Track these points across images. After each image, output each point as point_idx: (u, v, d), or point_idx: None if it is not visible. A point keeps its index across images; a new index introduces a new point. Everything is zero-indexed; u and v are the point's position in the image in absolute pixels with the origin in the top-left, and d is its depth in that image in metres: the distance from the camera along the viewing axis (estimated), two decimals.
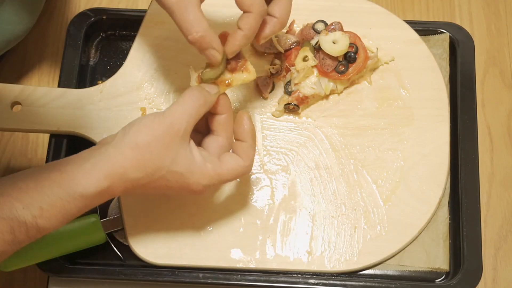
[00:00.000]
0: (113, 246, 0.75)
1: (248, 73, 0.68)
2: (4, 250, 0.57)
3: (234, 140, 0.68)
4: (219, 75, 0.67)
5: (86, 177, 0.59)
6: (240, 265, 0.73)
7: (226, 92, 0.69)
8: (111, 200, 0.77)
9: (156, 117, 0.63)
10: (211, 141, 0.68)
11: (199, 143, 0.68)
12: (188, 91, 0.65)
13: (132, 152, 0.61)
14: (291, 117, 0.81)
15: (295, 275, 0.74)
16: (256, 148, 0.68)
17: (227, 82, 0.68)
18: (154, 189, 0.64)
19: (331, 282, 0.73)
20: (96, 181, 0.60)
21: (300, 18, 0.84)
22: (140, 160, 0.61)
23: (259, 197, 0.76)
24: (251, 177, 0.77)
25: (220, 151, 0.67)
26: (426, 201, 0.76)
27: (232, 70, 0.68)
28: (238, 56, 0.68)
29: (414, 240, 0.75)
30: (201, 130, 0.70)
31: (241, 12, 0.66)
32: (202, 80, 0.67)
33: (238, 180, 0.77)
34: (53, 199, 0.58)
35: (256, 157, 0.78)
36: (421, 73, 0.82)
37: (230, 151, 0.68)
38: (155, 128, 0.62)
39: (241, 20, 0.65)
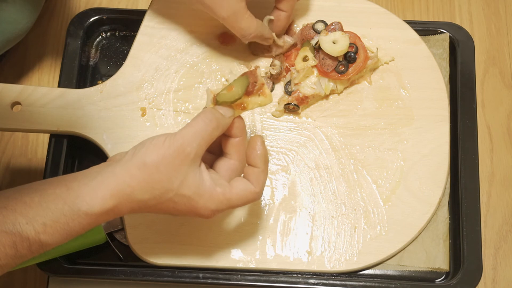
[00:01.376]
0: (113, 246, 0.75)
1: (264, 96, 0.67)
2: (5, 263, 0.57)
3: (247, 165, 0.67)
4: (236, 99, 0.65)
5: (92, 195, 0.59)
6: (240, 265, 0.74)
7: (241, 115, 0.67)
8: None
9: (167, 138, 0.62)
10: (223, 164, 0.67)
11: (211, 164, 0.67)
12: (202, 113, 0.64)
13: (140, 172, 0.60)
14: (291, 117, 0.81)
15: (295, 275, 0.74)
16: (267, 176, 0.67)
17: (242, 105, 0.66)
18: (162, 210, 0.63)
19: (331, 282, 0.73)
20: (101, 200, 0.59)
21: (300, 18, 0.84)
22: (148, 181, 0.60)
23: None
24: None
25: (231, 174, 0.66)
26: (426, 201, 0.76)
27: (249, 94, 0.66)
28: (254, 78, 0.67)
29: (414, 240, 0.75)
30: (214, 151, 0.69)
31: None
32: (217, 102, 0.66)
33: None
34: (57, 215, 0.58)
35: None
36: (421, 73, 0.82)
37: (242, 175, 0.67)
38: (165, 149, 0.61)
39: (282, 3, 0.77)
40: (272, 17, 0.78)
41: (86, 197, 0.58)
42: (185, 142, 0.61)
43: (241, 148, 0.67)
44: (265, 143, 0.79)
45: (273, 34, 0.79)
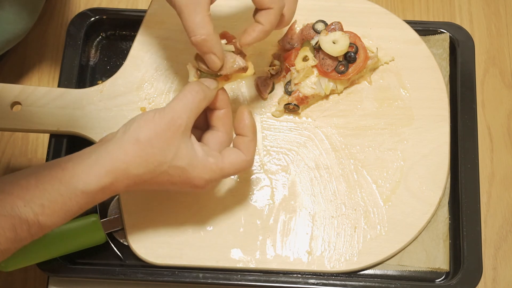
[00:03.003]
0: (113, 246, 0.76)
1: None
2: (6, 248, 0.57)
3: (235, 135, 0.69)
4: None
5: (88, 174, 0.60)
6: (240, 265, 0.74)
7: (224, 87, 0.69)
8: (111, 200, 0.77)
9: (156, 112, 0.63)
10: (211, 136, 0.68)
11: (199, 139, 0.68)
12: (188, 86, 0.65)
13: (134, 148, 0.61)
14: (291, 117, 0.81)
15: (295, 275, 0.74)
16: (256, 144, 0.69)
17: (225, 77, 0.68)
18: (157, 184, 0.65)
19: (331, 282, 0.73)
20: (97, 178, 0.60)
21: (300, 18, 0.84)
22: (142, 156, 0.62)
23: (259, 197, 0.77)
24: (251, 177, 0.78)
25: (220, 146, 0.68)
26: (426, 201, 0.77)
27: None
28: (238, 52, 0.68)
29: (414, 240, 0.76)
30: (200, 126, 0.70)
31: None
32: (201, 75, 0.68)
33: (237, 178, 0.77)
34: (54, 196, 0.58)
35: (256, 157, 0.78)
36: (421, 73, 0.83)
37: (231, 145, 0.69)
38: (156, 123, 0.62)
39: (261, 16, 0.67)
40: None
41: (81, 175, 0.59)
42: (175, 114, 0.63)
43: (227, 120, 0.69)
44: (265, 143, 0.80)
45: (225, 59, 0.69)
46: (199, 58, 0.68)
